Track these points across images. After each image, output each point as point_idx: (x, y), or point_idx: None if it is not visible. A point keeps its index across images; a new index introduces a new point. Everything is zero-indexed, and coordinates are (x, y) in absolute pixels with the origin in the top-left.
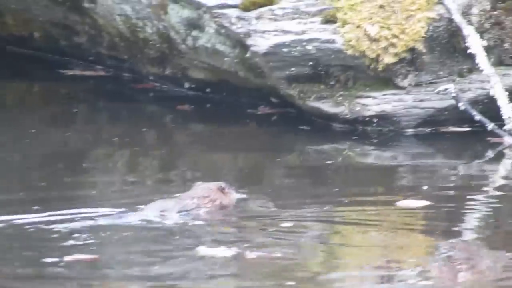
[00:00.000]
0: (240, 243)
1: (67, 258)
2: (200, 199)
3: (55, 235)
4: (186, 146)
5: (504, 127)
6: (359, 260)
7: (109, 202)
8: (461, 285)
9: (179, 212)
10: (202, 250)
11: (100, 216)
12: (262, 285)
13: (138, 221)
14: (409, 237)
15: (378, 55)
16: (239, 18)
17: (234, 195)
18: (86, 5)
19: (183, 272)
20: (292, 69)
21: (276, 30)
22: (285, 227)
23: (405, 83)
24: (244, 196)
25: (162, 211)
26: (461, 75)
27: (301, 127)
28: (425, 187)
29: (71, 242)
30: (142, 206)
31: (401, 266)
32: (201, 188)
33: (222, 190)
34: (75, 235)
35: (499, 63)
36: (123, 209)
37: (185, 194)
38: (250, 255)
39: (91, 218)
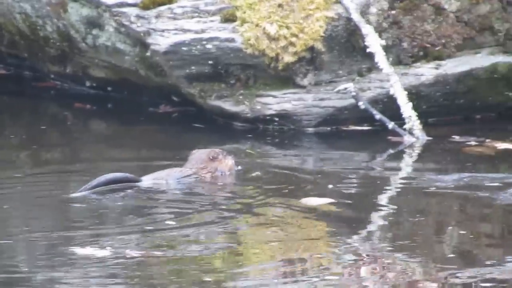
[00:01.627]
0: (120, 241)
1: None
2: (198, 168)
3: None
4: (86, 144)
5: (404, 126)
6: (261, 256)
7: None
8: (364, 281)
9: (178, 179)
10: (78, 250)
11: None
12: (147, 285)
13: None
14: (313, 233)
15: (277, 54)
16: (139, 17)
17: (229, 162)
18: None
19: (62, 275)
20: (192, 67)
21: (175, 29)
22: (170, 224)
23: (305, 82)
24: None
25: (158, 179)
26: (360, 74)
27: (202, 126)
28: (330, 186)
29: None
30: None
31: (305, 261)
32: (196, 158)
33: (214, 158)
34: None
35: (398, 62)
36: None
37: (187, 163)
38: (131, 254)
39: None
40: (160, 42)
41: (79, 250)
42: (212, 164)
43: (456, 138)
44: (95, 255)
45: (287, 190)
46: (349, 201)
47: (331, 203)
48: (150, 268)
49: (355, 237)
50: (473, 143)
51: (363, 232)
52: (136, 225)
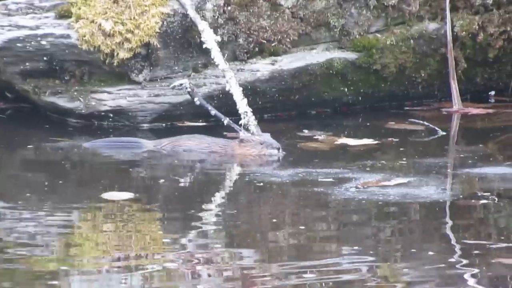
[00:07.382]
0: None
1: None
2: (211, 144)
3: None
4: None
5: (240, 122)
6: (90, 253)
7: None
8: (198, 270)
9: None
10: None
11: None
12: None
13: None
14: (118, 227)
15: (113, 50)
16: None
17: (251, 151)
18: None
19: None
20: (27, 64)
21: (10, 25)
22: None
23: (140, 78)
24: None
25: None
26: (196, 70)
27: (36, 122)
28: (162, 181)
29: None
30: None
31: (133, 254)
32: (227, 139)
33: (241, 142)
34: None
35: (233, 58)
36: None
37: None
38: None
39: None
40: None
41: None
42: (232, 146)
43: (298, 133)
44: None
45: (100, 185)
46: (176, 196)
47: (133, 198)
48: None
49: (170, 232)
50: (317, 136)
51: (179, 227)
52: None
